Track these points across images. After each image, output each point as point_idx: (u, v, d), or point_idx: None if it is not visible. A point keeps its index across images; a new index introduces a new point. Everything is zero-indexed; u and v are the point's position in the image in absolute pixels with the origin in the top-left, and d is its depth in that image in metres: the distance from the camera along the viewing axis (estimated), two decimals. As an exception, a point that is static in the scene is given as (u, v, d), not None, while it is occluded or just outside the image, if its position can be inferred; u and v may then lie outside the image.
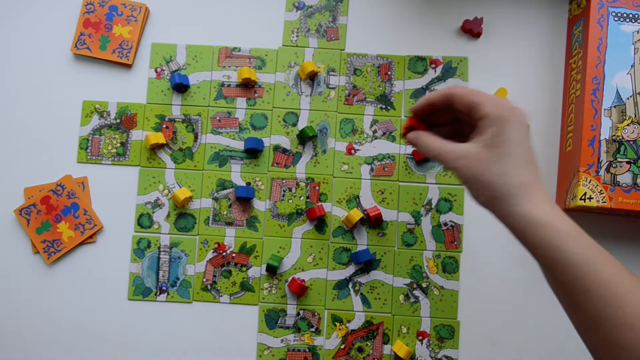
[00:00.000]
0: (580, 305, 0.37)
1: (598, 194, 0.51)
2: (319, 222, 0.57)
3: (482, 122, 0.42)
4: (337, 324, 0.56)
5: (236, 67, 0.59)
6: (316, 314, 0.56)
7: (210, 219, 0.57)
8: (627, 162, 0.52)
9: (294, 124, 0.58)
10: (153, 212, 0.57)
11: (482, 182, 0.41)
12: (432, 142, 0.44)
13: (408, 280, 0.56)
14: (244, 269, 0.56)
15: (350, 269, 0.56)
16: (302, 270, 0.56)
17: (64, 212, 0.56)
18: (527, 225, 0.39)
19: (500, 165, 0.40)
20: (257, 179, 0.57)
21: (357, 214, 0.55)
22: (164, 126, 0.58)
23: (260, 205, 0.57)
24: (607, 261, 0.36)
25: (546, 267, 0.39)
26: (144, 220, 0.57)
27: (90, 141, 0.58)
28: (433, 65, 0.59)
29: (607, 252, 0.37)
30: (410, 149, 0.58)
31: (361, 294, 0.56)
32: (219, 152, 0.58)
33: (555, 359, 0.55)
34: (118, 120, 0.58)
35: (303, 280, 0.56)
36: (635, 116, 0.52)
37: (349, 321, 0.56)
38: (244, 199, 0.57)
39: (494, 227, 0.57)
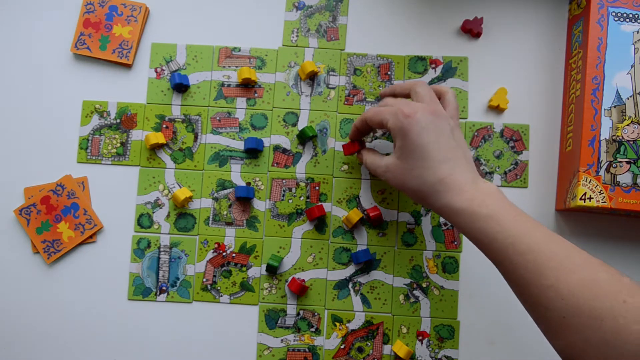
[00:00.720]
0: (508, 275, 0.41)
1: (598, 194, 0.51)
2: (319, 222, 0.57)
3: (392, 135, 0.47)
4: (337, 324, 0.56)
5: (236, 67, 0.59)
6: (316, 314, 0.56)
7: (210, 219, 0.57)
8: (627, 162, 0.52)
9: (294, 124, 0.58)
10: (153, 212, 0.57)
11: (407, 188, 0.47)
12: (368, 158, 0.52)
13: (408, 280, 0.56)
14: (244, 269, 0.56)
15: (350, 269, 0.56)
16: (302, 270, 0.56)
17: (64, 212, 0.57)
18: (453, 214, 0.44)
19: (415, 170, 0.45)
20: (257, 179, 0.57)
21: (357, 214, 0.55)
22: (164, 126, 0.58)
23: (260, 205, 0.57)
24: (529, 232, 0.40)
25: (480, 248, 0.43)
26: (144, 220, 0.57)
27: (90, 141, 0.58)
28: (433, 65, 0.59)
29: (530, 222, 0.42)
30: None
31: (361, 294, 0.56)
32: (219, 152, 0.58)
33: (555, 359, 0.55)
34: (118, 120, 0.58)
35: (303, 280, 0.56)
36: (635, 116, 0.52)
37: (349, 321, 0.56)
38: (244, 199, 0.57)
39: (494, 227, 0.57)
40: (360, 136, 0.54)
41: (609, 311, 0.35)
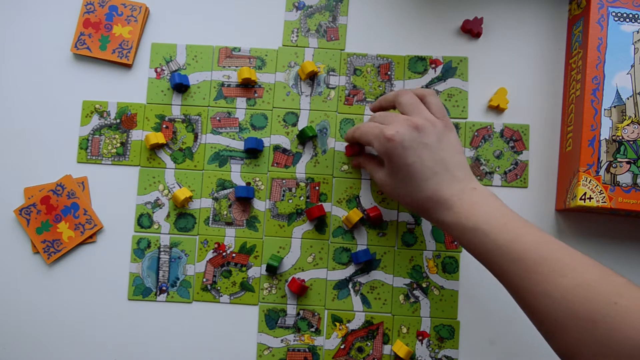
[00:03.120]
0: (503, 283, 0.43)
1: (598, 194, 0.51)
2: (319, 222, 0.57)
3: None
4: (337, 324, 0.56)
5: (236, 67, 0.59)
6: (316, 314, 0.56)
7: (210, 219, 0.57)
8: (627, 162, 0.52)
9: (294, 124, 0.58)
10: (153, 212, 0.57)
11: (400, 202, 0.50)
12: (367, 165, 0.54)
13: (408, 280, 0.56)
14: (244, 269, 0.56)
15: (350, 269, 0.56)
16: (302, 270, 0.56)
17: (64, 212, 0.56)
18: (445, 229, 0.46)
19: (403, 188, 0.48)
20: (257, 179, 0.57)
21: (357, 214, 0.55)
22: (164, 126, 0.58)
23: (260, 205, 0.57)
24: (517, 239, 0.41)
25: (476, 259, 0.45)
26: (144, 220, 0.57)
27: (90, 141, 0.58)
28: (433, 65, 0.59)
29: (520, 227, 0.42)
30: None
31: (361, 294, 0.56)
32: (219, 152, 0.58)
33: (555, 359, 0.55)
34: (118, 120, 0.58)
35: (303, 280, 0.56)
36: (635, 116, 0.52)
37: (349, 321, 0.56)
38: (244, 199, 0.57)
39: (494, 227, 0.57)
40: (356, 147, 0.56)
41: (600, 313, 0.36)
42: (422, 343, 0.55)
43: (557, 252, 0.40)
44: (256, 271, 0.56)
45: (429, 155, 0.46)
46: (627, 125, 0.52)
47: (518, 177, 0.57)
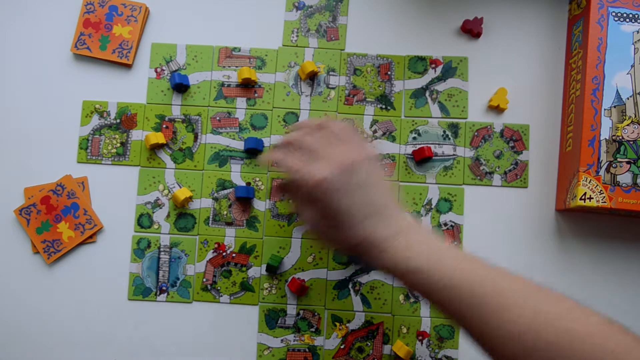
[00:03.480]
0: (456, 320, 0.39)
1: (598, 194, 0.51)
2: (319, 222, 0.57)
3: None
4: (337, 324, 0.56)
5: (236, 67, 0.59)
6: (316, 314, 0.56)
7: (210, 219, 0.57)
8: (627, 162, 0.52)
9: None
10: (153, 212, 0.57)
11: (333, 247, 0.47)
12: (294, 200, 0.47)
13: (408, 280, 0.56)
14: (244, 269, 0.56)
15: (350, 269, 0.56)
16: (302, 270, 0.56)
17: (64, 212, 0.56)
18: (385, 272, 0.44)
19: (334, 234, 0.43)
20: (257, 179, 0.57)
21: (357, 214, 0.55)
22: (164, 126, 0.58)
23: (260, 205, 0.57)
24: (461, 277, 0.38)
25: (420, 295, 0.42)
26: (144, 220, 0.57)
27: (90, 141, 0.58)
28: (433, 65, 0.59)
29: (460, 262, 0.39)
30: (410, 149, 0.58)
31: (361, 294, 0.56)
32: (219, 152, 0.58)
33: None
34: (118, 120, 0.58)
35: (303, 280, 0.56)
36: (635, 116, 0.52)
37: (349, 321, 0.56)
38: (244, 199, 0.57)
39: (494, 227, 0.58)
40: None
41: None
42: (422, 343, 0.55)
43: (508, 288, 0.38)
44: (256, 271, 0.56)
45: (360, 197, 0.42)
46: (627, 125, 0.52)
47: (518, 177, 0.57)
